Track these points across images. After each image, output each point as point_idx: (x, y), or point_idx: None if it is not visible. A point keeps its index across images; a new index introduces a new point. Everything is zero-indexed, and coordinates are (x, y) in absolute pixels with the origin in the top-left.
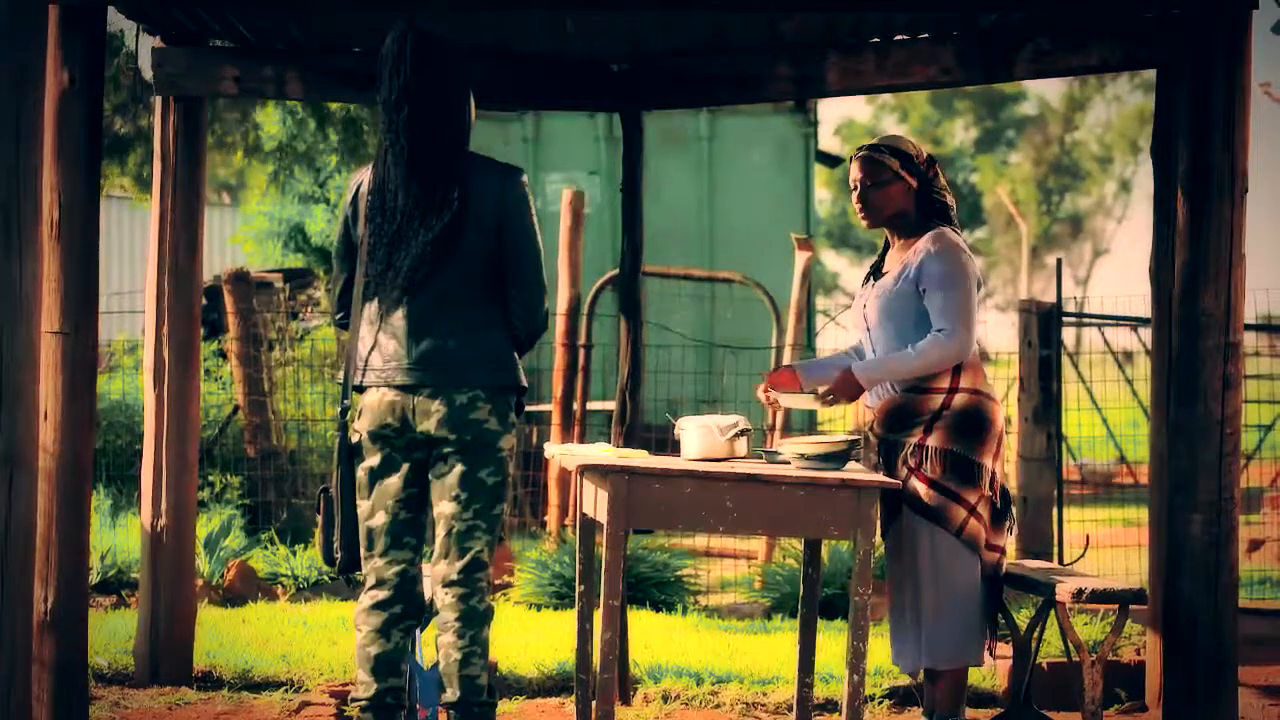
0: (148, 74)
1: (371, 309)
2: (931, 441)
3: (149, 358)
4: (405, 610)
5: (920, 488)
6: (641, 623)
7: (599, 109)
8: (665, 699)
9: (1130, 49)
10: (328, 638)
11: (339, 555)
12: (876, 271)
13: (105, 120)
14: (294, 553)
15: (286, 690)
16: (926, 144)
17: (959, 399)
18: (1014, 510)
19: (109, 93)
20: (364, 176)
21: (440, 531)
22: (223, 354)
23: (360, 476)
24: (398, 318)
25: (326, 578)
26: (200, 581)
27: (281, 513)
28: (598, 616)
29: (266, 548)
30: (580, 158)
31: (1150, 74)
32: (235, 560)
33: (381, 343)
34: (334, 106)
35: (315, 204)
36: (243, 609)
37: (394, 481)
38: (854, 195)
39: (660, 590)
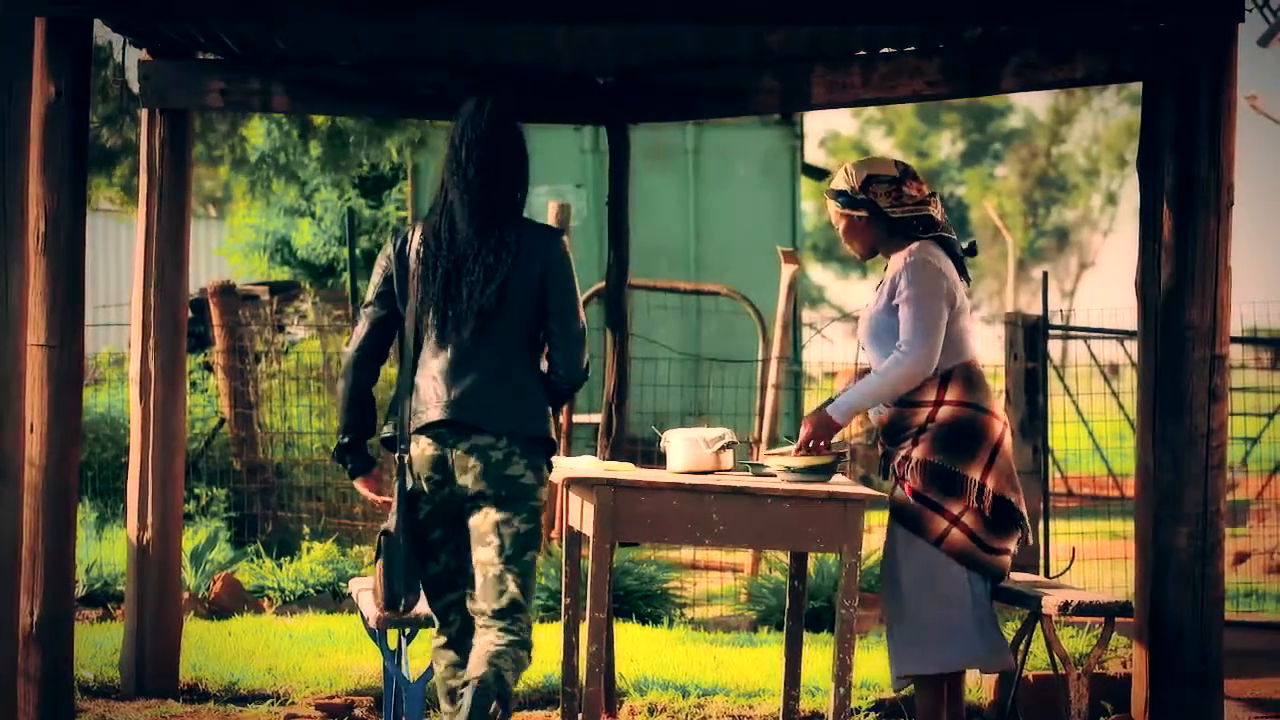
0: (134, 86)
1: (423, 355)
2: (916, 453)
3: (135, 370)
4: (463, 647)
5: (903, 497)
6: (628, 635)
7: (585, 122)
8: (651, 712)
9: (1116, 62)
10: (314, 650)
11: (403, 602)
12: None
13: (92, 132)
14: (280, 565)
15: (273, 703)
16: (912, 157)
17: (944, 411)
18: (1023, 518)
19: (96, 105)
20: (408, 232)
21: (478, 576)
22: (209, 367)
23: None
24: (444, 366)
25: (313, 590)
26: (186, 594)
27: (267, 525)
28: (584, 629)
29: (252, 560)
30: (566, 170)
31: (1137, 87)
32: (221, 573)
33: (425, 388)
34: (318, 119)
35: (301, 217)
36: (228, 622)
37: (444, 529)
38: None
39: (646, 603)
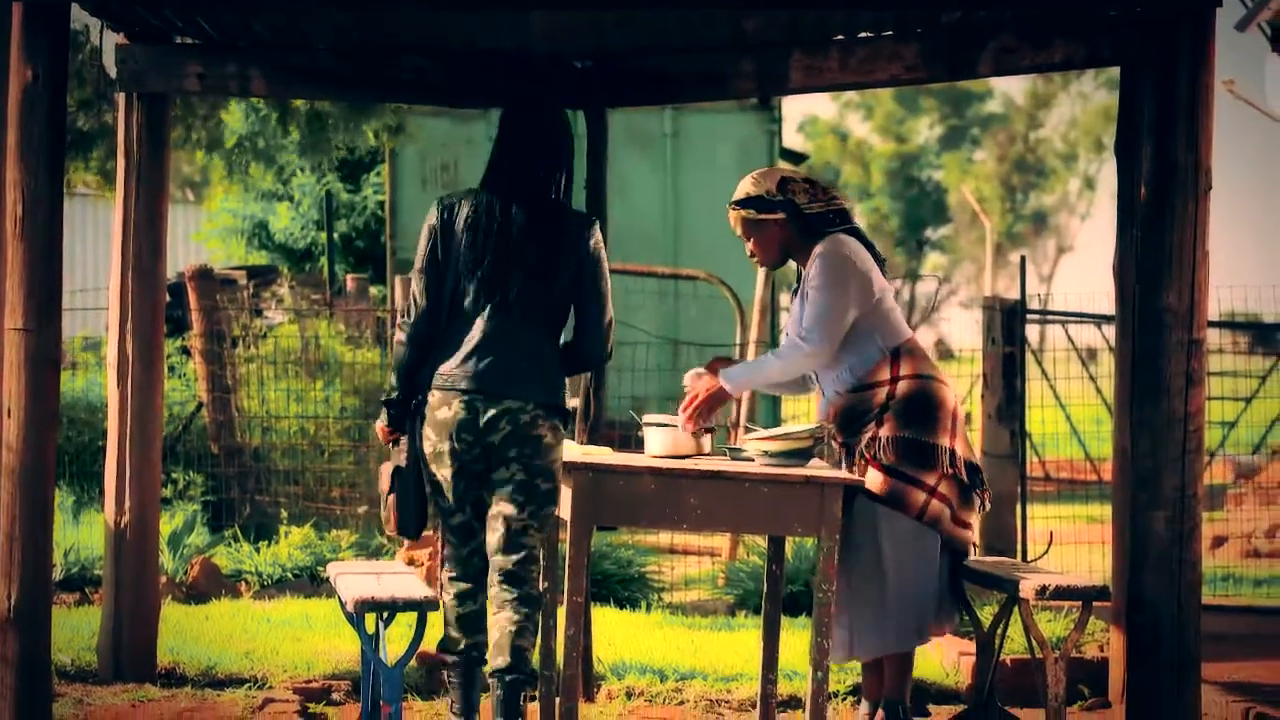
0: (112, 71)
1: (460, 320)
2: (884, 432)
3: (112, 354)
4: (481, 583)
5: (876, 477)
6: (605, 620)
7: (564, 106)
8: (629, 696)
9: (1094, 46)
10: (291, 634)
11: (414, 526)
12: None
13: (70, 116)
14: (257, 550)
15: (250, 687)
16: (890, 142)
17: (903, 387)
18: (986, 486)
19: (73, 89)
20: (454, 202)
21: (499, 529)
22: (186, 351)
23: (443, 477)
24: (481, 336)
25: (290, 575)
26: (164, 578)
27: (245, 509)
28: (561, 613)
29: (230, 545)
30: None
31: (1115, 71)
32: (199, 557)
33: (460, 353)
34: (297, 103)
35: (279, 201)
36: (206, 606)
37: (468, 484)
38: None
39: (624, 587)
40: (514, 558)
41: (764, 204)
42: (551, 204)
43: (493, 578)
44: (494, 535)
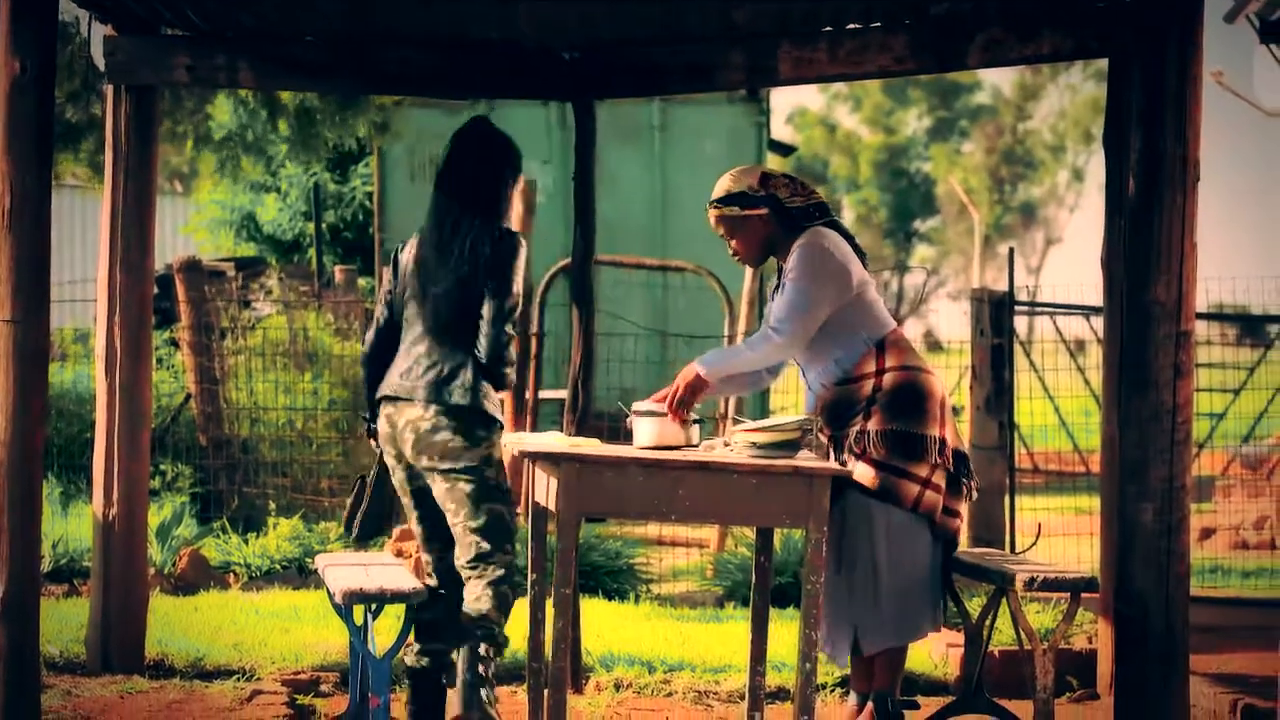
0: (100, 63)
1: (400, 339)
2: (872, 425)
3: (100, 346)
4: (448, 590)
5: (867, 471)
6: (594, 611)
7: (551, 98)
8: (617, 687)
9: (1082, 38)
10: (280, 626)
11: (356, 529)
12: (778, 288)
13: (58, 109)
14: (246, 541)
15: (238, 679)
16: (879, 133)
17: (889, 378)
18: (973, 476)
19: (61, 81)
20: (410, 242)
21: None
22: (174, 342)
23: (397, 483)
24: (404, 350)
25: (279, 566)
26: (152, 570)
27: (233, 501)
28: (550, 605)
29: (218, 536)
30: (532, 146)
31: (1103, 63)
32: (187, 549)
33: (396, 368)
34: (286, 96)
35: (267, 193)
36: (194, 597)
37: (413, 495)
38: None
39: (612, 579)
40: (466, 559)
41: (747, 199)
42: (468, 228)
43: (461, 571)
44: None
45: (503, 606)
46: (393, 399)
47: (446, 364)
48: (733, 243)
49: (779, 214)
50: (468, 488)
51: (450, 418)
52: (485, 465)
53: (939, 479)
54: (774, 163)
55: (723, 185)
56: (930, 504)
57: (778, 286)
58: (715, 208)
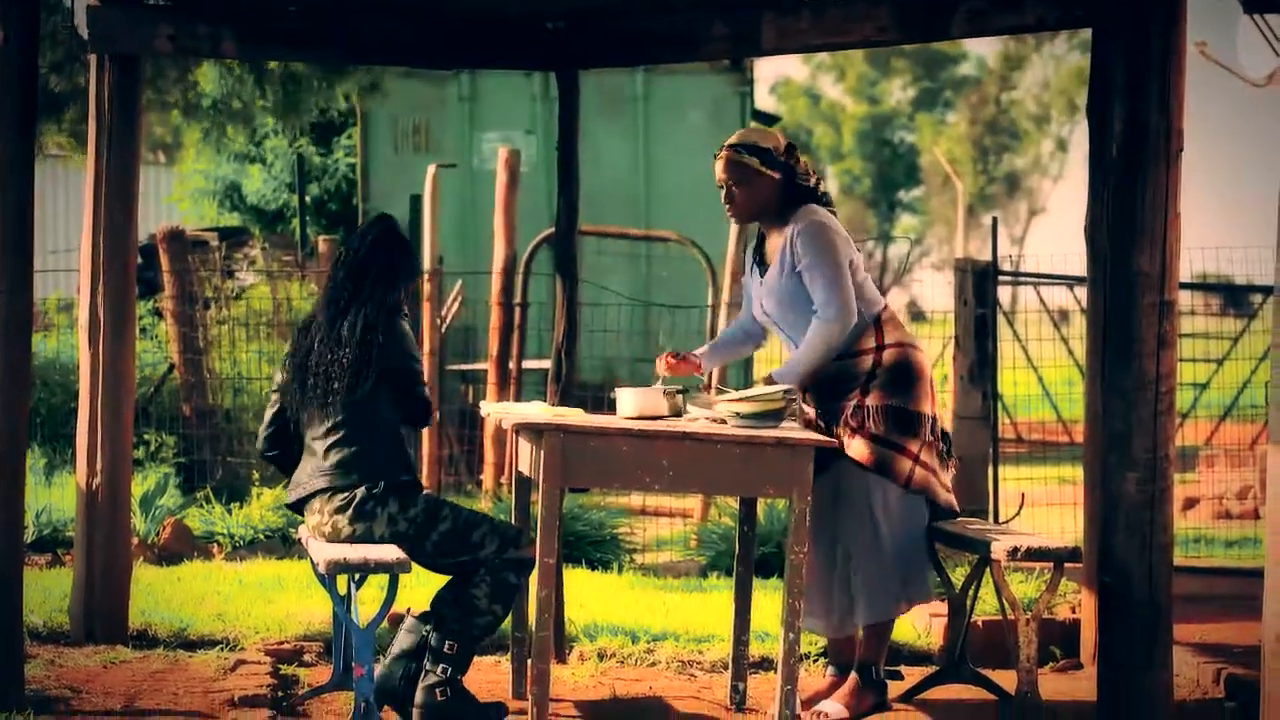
0: (84, 32)
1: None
2: (870, 400)
3: (84, 316)
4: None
5: (863, 446)
6: (577, 581)
7: (535, 68)
8: (601, 657)
9: (1066, 8)
10: (263, 596)
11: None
12: (761, 262)
13: (41, 78)
14: (229, 511)
15: (222, 649)
16: (863, 104)
17: (888, 355)
18: (953, 454)
19: (44, 51)
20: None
21: None
22: (158, 312)
23: None
24: (316, 437)
25: (262, 536)
26: (136, 540)
27: (217, 471)
28: (533, 575)
29: (202, 506)
30: (516, 117)
31: (1087, 33)
32: (171, 519)
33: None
34: (272, 65)
35: (251, 163)
36: (178, 567)
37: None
38: (722, 194)
39: (596, 549)
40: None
41: (768, 157)
42: (360, 317)
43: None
44: None
45: (498, 595)
46: (318, 491)
47: (365, 445)
48: (735, 192)
49: (788, 184)
50: (433, 542)
51: (382, 495)
52: (406, 513)
53: (928, 456)
54: None
55: (748, 136)
56: (921, 480)
57: (756, 262)
58: (734, 152)
